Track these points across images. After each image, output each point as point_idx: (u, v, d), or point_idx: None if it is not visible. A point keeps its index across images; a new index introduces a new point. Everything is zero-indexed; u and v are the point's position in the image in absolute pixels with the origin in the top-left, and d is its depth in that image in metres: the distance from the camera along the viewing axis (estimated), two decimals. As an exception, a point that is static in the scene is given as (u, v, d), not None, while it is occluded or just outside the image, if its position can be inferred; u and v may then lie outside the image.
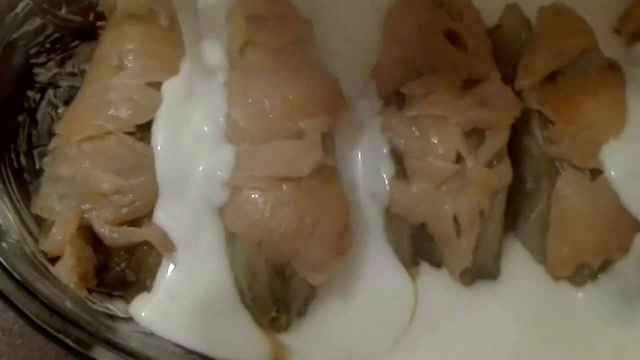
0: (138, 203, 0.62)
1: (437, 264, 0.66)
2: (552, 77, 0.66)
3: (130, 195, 0.62)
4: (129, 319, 0.62)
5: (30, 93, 0.69)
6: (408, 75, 0.66)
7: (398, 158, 0.65)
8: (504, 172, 0.64)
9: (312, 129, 0.62)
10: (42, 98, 0.70)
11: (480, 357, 0.63)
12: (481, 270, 0.65)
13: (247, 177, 0.60)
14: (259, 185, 0.60)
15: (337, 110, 0.64)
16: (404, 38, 0.68)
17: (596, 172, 0.64)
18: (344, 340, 0.63)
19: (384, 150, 0.66)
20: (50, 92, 0.70)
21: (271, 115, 0.62)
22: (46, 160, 0.64)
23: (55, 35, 0.69)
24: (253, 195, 0.60)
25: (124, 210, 0.62)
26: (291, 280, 0.61)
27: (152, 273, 0.62)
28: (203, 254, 0.63)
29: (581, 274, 0.64)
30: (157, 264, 0.62)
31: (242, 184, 0.60)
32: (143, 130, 0.63)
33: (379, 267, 0.64)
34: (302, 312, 0.63)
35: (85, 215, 0.61)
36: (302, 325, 0.63)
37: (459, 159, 0.63)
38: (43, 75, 0.70)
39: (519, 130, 0.65)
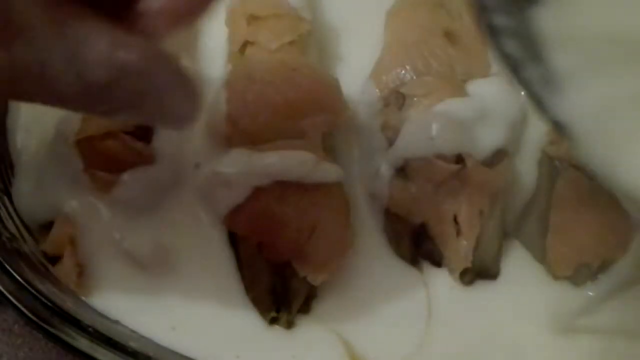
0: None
1: (437, 263, 0.66)
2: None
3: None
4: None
5: (30, 93, 0.69)
6: (408, 75, 0.66)
7: (398, 158, 0.65)
8: (504, 172, 0.64)
9: (312, 129, 0.62)
10: (42, 98, 0.69)
11: (480, 356, 0.63)
12: (481, 270, 0.64)
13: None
14: (259, 185, 0.60)
15: (337, 110, 0.64)
16: (404, 38, 0.68)
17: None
18: (355, 342, 0.63)
19: (384, 151, 0.66)
20: (50, 92, 0.70)
21: (271, 115, 0.62)
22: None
23: (55, 35, 0.69)
24: (253, 195, 0.60)
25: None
26: (291, 280, 0.61)
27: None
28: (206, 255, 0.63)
29: (581, 274, 0.64)
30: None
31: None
32: (143, 130, 0.63)
33: (379, 267, 0.64)
34: (305, 310, 0.63)
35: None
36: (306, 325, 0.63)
37: (459, 159, 0.63)
38: (43, 75, 0.69)
39: (518, 130, 0.65)
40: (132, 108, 0.41)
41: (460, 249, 0.63)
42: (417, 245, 0.65)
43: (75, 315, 0.57)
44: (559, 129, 0.38)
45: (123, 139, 0.62)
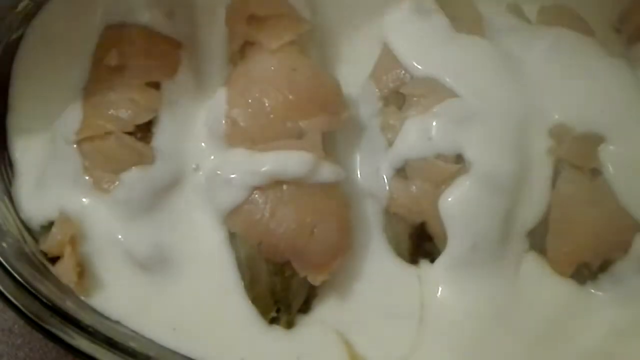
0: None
1: (436, 263, 0.66)
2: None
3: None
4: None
5: (30, 93, 0.69)
6: (408, 75, 0.66)
7: (398, 158, 0.65)
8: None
9: (312, 129, 0.62)
10: (42, 98, 0.70)
11: (481, 355, 0.63)
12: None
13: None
14: (259, 185, 0.60)
15: (337, 110, 0.64)
16: (403, 38, 0.68)
17: (596, 172, 0.64)
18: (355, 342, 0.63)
19: (384, 151, 0.66)
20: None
21: (271, 115, 0.62)
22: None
23: (56, 35, 0.69)
24: (253, 195, 0.60)
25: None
26: (291, 280, 0.61)
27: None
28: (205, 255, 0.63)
29: (581, 274, 0.64)
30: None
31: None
32: (143, 130, 0.63)
33: (379, 267, 0.64)
34: (305, 310, 0.63)
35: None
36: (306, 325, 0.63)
37: (459, 159, 0.63)
38: (43, 75, 0.70)
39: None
40: None
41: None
42: (416, 244, 0.65)
43: (75, 315, 0.57)
44: None
45: (123, 139, 0.62)
